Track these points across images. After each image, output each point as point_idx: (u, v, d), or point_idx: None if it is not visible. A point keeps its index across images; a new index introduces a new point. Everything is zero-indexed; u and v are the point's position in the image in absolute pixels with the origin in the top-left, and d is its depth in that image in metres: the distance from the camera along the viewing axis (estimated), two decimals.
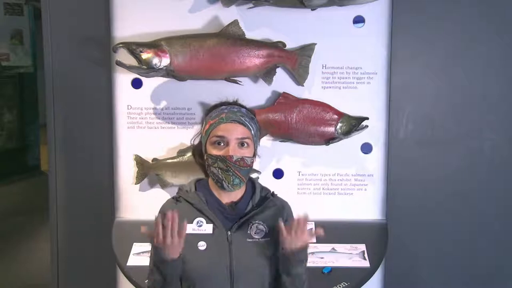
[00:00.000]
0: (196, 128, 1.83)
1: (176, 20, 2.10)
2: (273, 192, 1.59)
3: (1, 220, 4.74)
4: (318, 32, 2.12)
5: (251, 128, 1.50)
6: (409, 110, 2.21)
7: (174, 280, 1.42)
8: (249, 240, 1.48)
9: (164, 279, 1.40)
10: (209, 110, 1.55)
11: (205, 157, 1.50)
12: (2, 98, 5.93)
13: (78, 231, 2.27)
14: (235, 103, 1.56)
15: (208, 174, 1.51)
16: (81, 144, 2.23)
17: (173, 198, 1.55)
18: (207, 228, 1.47)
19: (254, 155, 1.52)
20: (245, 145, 1.47)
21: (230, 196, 1.51)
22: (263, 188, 1.58)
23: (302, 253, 1.46)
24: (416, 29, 2.18)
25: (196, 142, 1.60)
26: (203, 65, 2.02)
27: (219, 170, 1.45)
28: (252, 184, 1.57)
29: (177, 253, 1.38)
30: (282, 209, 1.56)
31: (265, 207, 1.53)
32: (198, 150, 1.56)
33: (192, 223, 1.48)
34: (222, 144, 1.45)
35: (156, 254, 1.39)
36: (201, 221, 1.48)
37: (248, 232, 1.49)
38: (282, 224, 1.42)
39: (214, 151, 1.46)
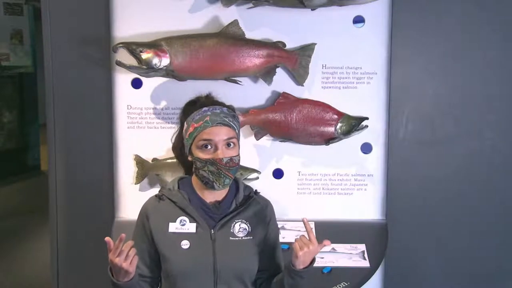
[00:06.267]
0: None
1: (176, 20, 2.10)
2: (256, 190, 1.60)
3: (1, 220, 4.73)
4: (318, 32, 2.12)
5: (235, 127, 1.50)
6: (409, 110, 2.21)
7: None
8: (232, 238, 1.49)
9: None
10: (187, 109, 1.53)
11: (190, 159, 1.50)
12: (2, 98, 5.92)
13: (78, 231, 2.27)
14: (213, 100, 1.53)
15: (196, 176, 1.50)
16: (81, 144, 2.23)
17: (156, 196, 1.55)
18: (190, 227, 1.48)
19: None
20: (232, 145, 1.47)
21: (214, 195, 1.51)
22: (246, 187, 1.59)
23: (310, 269, 1.45)
24: (416, 29, 2.17)
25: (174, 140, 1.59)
26: (203, 65, 2.02)
27: (210, 173, 1.45)
28: (236, 183, 1.57)
29: (130, 275, 1.37)
30: (265, 208, 1.57)
31: (248, 206, 1.54)
32: (177, 148, 1.56)
33: (175, 221, 1.48)
34: (209, 147, 1.45)
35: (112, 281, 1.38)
36: (184, 220, 1.49)
37: (231, 230, 1.49)
38: (296, 244, 1.42)
39: (202, 155, 1.45)
